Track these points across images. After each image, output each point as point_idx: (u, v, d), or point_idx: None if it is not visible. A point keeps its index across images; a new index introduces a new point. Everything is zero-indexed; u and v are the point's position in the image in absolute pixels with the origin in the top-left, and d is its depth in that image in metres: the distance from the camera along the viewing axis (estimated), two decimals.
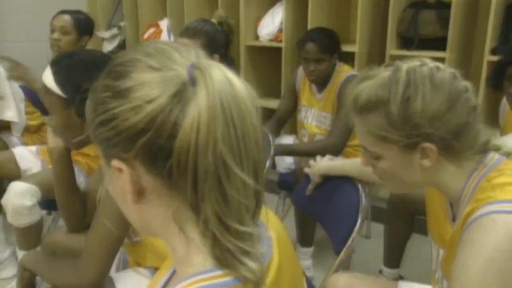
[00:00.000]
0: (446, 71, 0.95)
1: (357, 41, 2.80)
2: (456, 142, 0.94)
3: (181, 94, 0.52)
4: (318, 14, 2.94)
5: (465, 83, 0.96)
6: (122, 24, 4.03)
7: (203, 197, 0.52)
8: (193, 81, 0.52)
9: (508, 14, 2.44)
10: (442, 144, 0.94)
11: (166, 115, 0.51)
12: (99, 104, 0.56)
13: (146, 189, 0.56)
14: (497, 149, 1.00)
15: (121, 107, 0.53)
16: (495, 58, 2.38)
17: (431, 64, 0.95)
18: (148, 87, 0.52)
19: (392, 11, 2.66)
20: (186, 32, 2.11)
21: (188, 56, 0.56)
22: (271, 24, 3.18)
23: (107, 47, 4.02)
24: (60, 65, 1.21)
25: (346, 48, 2.82)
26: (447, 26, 2.48)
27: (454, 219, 1.06)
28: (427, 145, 0.93)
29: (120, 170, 0.55)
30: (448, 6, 2.51)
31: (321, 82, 2.41)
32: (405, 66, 0.95)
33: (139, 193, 0.56)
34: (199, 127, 0.50)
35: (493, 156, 0.98)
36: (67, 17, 2.57)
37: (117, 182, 0.57)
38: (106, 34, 4.04)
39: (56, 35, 2.55)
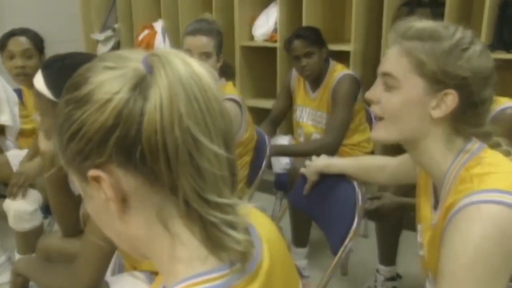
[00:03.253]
0: (490, 54, 0.99)
1: (352, 40, 2.80)
2: (472, 109, 0.96)
3: (140, 85, 0.53)
4: (313, 14, 2.94)
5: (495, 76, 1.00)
6: (116, 26, 4.02)
7: (178, 174, 0.52)
8: (148, 68, 0.53)
9: (502, 12, 2.45)
10: (463, 101, 0.95)
11: (131, 106, 0.52)
12: (64, 121, 0.56)
13: (128, 194, 0.55)
14: (497, 145, 1.00)
15: (87, 112, 0.53)
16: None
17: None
18: (107, 85, 0.53)
19: (386, 10, 2.66)
20: (201, 30, 2.03)
21: (141, 53, 0.57)
22: (266, 24, 3.18)
23: (102, 49, 4.01)
24: (51, 69, 1.20)
25: (341, 47, 2.83)
26: None
27: (435, 206, 1.06)
28: (453, 92, 0.95)
29: (98, 180, 0.55)
30: (442, 4, 2.51)
31: (315, 77, 2.41)
32: (460, 28, 0.99)
33: (123, 201, 0.56)
34: (162, 105, 0.51)
35: (474, 144, 0.99)
36: (24, 39, 2.23)
37: (97, 196, 0.56)
38: (101, 36, 4.02)
39: (19, 62, 2.20)
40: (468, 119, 0.98)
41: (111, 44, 4.03)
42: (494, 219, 0.85)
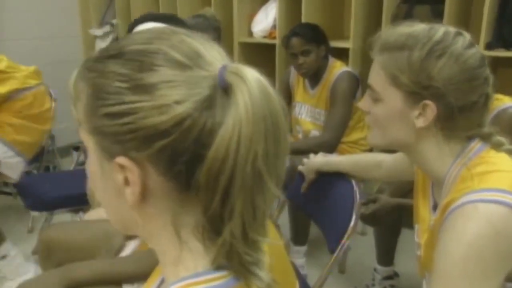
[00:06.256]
0: (478, 52, 0.96)
1: (351, 37, 2.78)
2: (458, 115, 0.94)
3: (211, 99, 0.48)
4: (312, 10, 2.93)
5: (488, 73, 0.96)
6: (114, 21, 4.00)
7: (233, 209, 0.49)
8: (224, 85, 0.49)
9: (502, 9, 2.43)
10: (444, 110, 0.94)
11: (195, 120, 0.47)
12: (109, 93, 0.50)
13: (151, 190, 0.52)
14: (500, 144, 0.99)
15: (143, 103, 0.48)
16: (489, 53, 2.37)
17: (468, 37, 0.96)
18: (178, 87, 0.48)
19: (386, 7, 2.65)
20: (196, 27, 2.02)
21: (213, 52, 0.53)
22: (265, 21, 3.17)
23: (100, 44, 3.99)
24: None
25: (340, 44, 2.82)
26: (441, 21, 2.46)
27: (434, 207, 1.05)
28: (430, 103, 0.93)
29: (123, 168, 0.51)
30: (442, 1, 2.49)
31: (313, 74, 2.40)
32: (444, 28, 0.96)
33: (142, 194, 0.52)
34: (240, 138, 0.47)
35: (475, 144, 0.98)
36: None
37: (113, 177, 0.52)
38: (99, 31, 4.01)
39: None
40: (459, 124, 0.96)
41: (109, 39, 4.01)
42: (490, 218, 0.85)
